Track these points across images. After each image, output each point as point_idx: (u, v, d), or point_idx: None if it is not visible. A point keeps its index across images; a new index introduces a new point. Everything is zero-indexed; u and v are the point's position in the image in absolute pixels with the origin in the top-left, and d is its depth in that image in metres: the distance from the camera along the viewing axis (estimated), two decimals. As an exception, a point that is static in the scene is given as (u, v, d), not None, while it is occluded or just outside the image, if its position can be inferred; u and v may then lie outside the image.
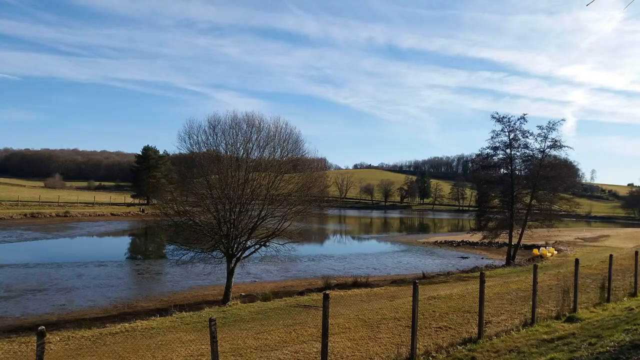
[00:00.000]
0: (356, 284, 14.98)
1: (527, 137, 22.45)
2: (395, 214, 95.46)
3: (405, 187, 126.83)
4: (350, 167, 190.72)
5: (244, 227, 13.90)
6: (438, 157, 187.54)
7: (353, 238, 41.95)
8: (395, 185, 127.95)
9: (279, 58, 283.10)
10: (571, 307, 8.23)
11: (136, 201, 61.94)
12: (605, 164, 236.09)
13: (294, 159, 15.02)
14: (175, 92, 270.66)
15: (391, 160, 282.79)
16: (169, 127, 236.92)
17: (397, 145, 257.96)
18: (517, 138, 22.58)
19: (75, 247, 27.13)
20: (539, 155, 22.67)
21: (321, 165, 17.90)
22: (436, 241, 35.54)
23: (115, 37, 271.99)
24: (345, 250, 30.52)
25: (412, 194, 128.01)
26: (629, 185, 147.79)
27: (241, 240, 14.05)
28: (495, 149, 23.14)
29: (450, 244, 33.95)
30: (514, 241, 23.08)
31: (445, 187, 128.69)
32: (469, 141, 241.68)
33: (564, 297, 8.58)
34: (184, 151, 14.92)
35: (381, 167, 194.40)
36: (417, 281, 6.71)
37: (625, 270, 14.14)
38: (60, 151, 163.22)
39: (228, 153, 14.32)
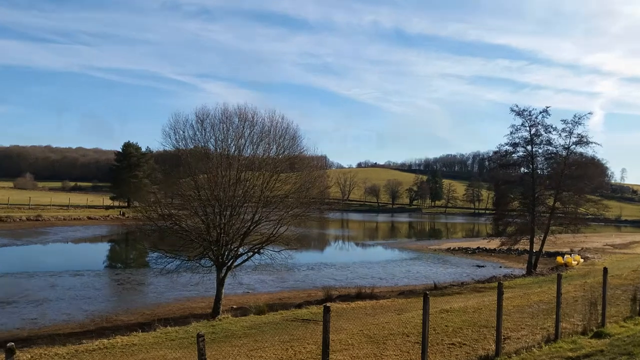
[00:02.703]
0: (360, 296, 15.01)
1: (550, 132, 22.49)
2: (403, 218, 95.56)
3: (415, 188, 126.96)
4: (354, 166, 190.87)
5: (235, 233, 13.93)
6: (451, 155, 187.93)
7: (357, 244, 41.98)
8: (403, 186, 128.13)
9: (274, 45, 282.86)
10: (599, 321, 8.24)
11: (116, 203, 62.03)
12: (637, 162, 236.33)
13: (291, 157, 15.05)
14: (160, 82, 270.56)
15: (399, 158, 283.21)
16: (152, 121, 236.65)
17: (406, 141, 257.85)
18: (539, 133, 22.61)
19: (48, 254, 27.14)
20: (564, 153, 22.70)
21: (321, 163, 17.95)
22: (449, 248, 35.59)
23: (92, 22, 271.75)
24: (348, 258, 30.55)
25: (423, 196, 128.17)
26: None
27: (232, 246, 14.06)
28: (514, 145, 23.17)
29: (464, 251, 33.99)
30: (536, 248, 23.09)
31: (459, 188, 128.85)
32: (486, 137, 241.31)
33: (591, 310, 8.58)
34: (168, 148, 14.94)
35: (388, 166, 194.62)
36: (427, 292, 6.71)
37: (659, 280, 14.12)
38: (31, 148, 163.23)
39: (218, 150, 14.34)
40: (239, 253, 14.47)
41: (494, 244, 27.13)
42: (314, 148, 16.65)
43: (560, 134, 22.44)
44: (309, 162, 15.82)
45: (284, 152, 14.80)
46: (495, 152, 26.09)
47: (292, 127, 14.88)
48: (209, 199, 13.87)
